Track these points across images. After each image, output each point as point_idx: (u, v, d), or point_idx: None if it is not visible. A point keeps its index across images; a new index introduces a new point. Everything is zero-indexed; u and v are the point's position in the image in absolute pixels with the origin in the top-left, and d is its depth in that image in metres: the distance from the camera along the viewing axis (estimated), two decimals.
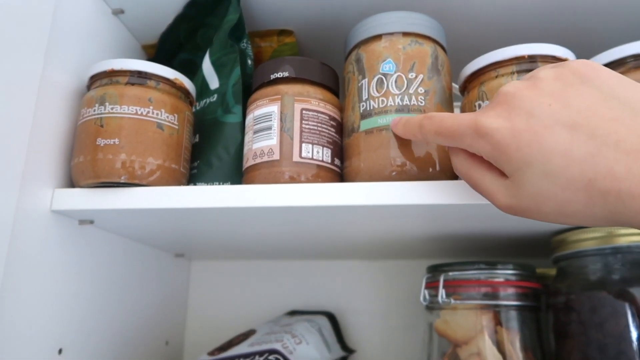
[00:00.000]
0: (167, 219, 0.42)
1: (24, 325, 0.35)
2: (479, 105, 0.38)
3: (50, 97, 0.38)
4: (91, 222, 0.42)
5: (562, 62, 0.27)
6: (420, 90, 0.38)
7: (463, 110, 0.41)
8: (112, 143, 0.36)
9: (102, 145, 0.36)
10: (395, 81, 0.38)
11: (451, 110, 0.40)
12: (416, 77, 0.38)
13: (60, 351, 0.39)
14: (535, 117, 0.25)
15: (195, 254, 0.64)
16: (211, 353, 0.51)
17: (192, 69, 0.53)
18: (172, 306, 0.61)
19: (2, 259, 0.33)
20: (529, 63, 0.37)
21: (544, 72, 0.26)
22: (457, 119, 0.29)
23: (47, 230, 0.38)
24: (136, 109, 0.37)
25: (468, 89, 0.41)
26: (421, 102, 0.38)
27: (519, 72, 0.37)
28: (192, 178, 0.44)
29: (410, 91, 0.38)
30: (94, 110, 0.37)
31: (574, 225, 0.26)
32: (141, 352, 0.53)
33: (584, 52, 0.45)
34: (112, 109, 0.37)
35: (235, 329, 0.64)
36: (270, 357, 0.43)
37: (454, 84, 0.43)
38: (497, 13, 0.49)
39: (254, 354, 0.45)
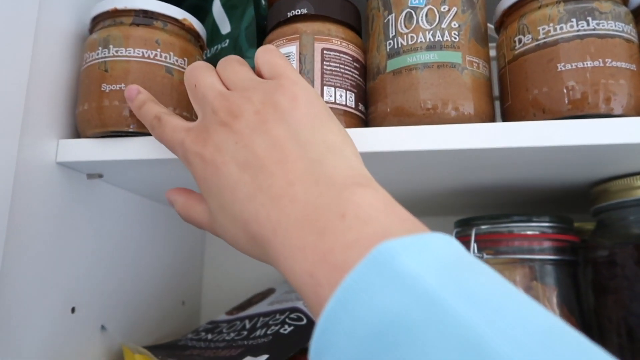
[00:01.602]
0: (179, 171, 0.39)
1: (34, 283, 0.33)
2: (519, 40, 0.34)
3: (48, 41, 0.35)
4: (100, 176, 0.40)
5: (281, 83, 0.26)
6: (454, 25, 0.34)
7: (499, 49, 0.37)
8: (118, 89, 0.33)
9: (107, 91, 0.33)
10: (426, 15, 0.34)
11: (487, 48, 0.36)
12: (449, 10, 0.34)
13: (73, 310, 0.38)
14: (220, 151, 0.25)
15: None
16: (230, 312, 0.49)
17: (201, 16, 0.49)
18: (188, 266, 0.60)
19: (5, 214, 0.31)
20: None
21: (250, 105, 0.25)
22: (174, 132, 0.28)
23: (53, 183, 0.36)
24: (142, 52, 0.34)
25: (505, 24, 0.37)
26: (455, 38, 0.34)
27: (566, 1, 0.33)
28: None
29: (443, 26, 0.34)
30: (97, 54, 0.34)
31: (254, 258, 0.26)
32: (157, 312, 0.51)
33: None
34: (116, 52, 0.34)
35: (253, 288, 0.62)
36: (291, 315, 0.41)
37: (488, 24, 0.40)
38: None
39: (274, 312, 0.43)
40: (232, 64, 0.29)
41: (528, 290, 0.40)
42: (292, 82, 0.26)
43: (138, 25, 0.35)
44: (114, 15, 0.35)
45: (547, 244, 0.40)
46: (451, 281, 0.16)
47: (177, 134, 0.27)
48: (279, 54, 0.29)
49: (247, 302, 0.50)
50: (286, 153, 0.23)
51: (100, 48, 0.34)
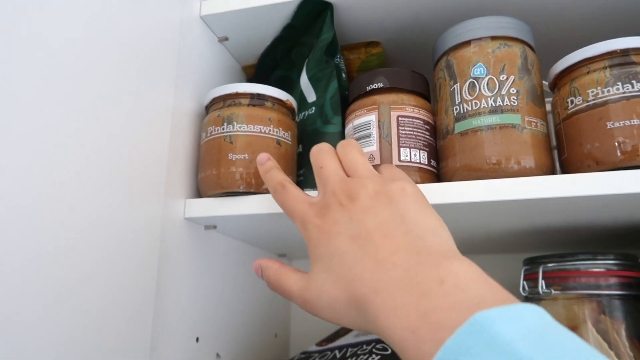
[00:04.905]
0: (277, 222, 0.46)
1: (172, 317, 0.42)
2: (571, 101, 0.40)
3: (180, 120, 0.45)
4: (214, 227, 0.48)
5: (393, 178, 0.31)
6: (512, 91, 0.40)
7: (554, 107, 0.42)
8: (242, 158, 0.42)
9: (233, 159, 0.42)
10: (487, 84, 0.40)
11: (543, 107, 0.41)
12: (507, 78, 0.40)
13: (197, 339, 0.45)
14: (337, 224, 0.29)
15: (295, 254, 0.69)
16: (319, 344, 0.55)
17: (287, 85, 0.58)
18: (278, 302, 0.67)
19: (155, 262, 0.39)
20: (622, 57, 0.38)
21: (365, 191, 0.30)
22: (297, 202, 0.33)
23: (182, 235, 0.44)
24: (260, 128, 0.43)
25: (558, 86, 0.42)
26: (514, 102, 0.40)
27: (612, 66, 0.38)
28: (298, 185, 0.48)
29: (503, 92, 0.40)
30: (223, 129, 0.43)
31: (342, 325, 0.29)
32: (255, 343, 0.58)
33: None
34: (239, 127, 0.42)
35: None
36: (377, 346, 0.47)
37: (543, 81, 0.45)
38: (583, 9, 0.49)
39: (361, 343, 0.49)
40: (353, 153, 0.34)
41: (597, 323, 0.43)
42: (403, 179, 0.31)
43: (254, 105, 0.44)
44: (233, 97, 0.44)
45: (613, 280, 0.43)
46: (540, 347, 0.18)
47: (300, 205, 0.33)
48: (400, 171, 0.35)
49: (334, 335, 0.56)
50: (392, 230, 0.27)
51: (225, 124, 0.43)
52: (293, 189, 0.34)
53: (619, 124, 0.36)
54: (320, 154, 0.35)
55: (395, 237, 0.27)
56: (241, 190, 0.43)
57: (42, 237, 0.29)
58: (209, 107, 0.47)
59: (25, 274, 0.28)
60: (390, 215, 0.28)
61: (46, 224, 0.29)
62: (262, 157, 0.39)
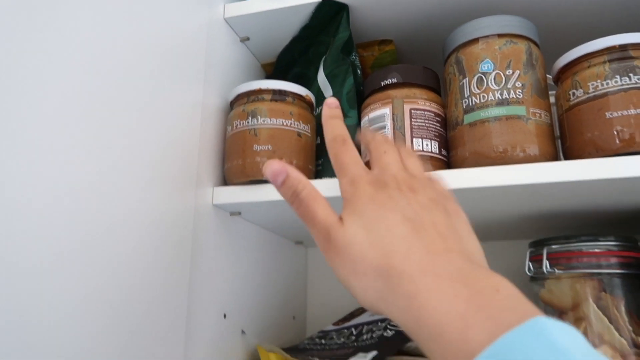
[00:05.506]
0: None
1: (203, 295, 0.45)
2: (573, 94, 0.43)
3: (209, 115, 0.48)
4: (239, 213, 0.52)
5: (449, 195, 0.32)
6: (518, 85, 0.43)
7: (558, 99, 0.45)
8: (266, 149, 0.45)
9: (258, 150, 0.45)
10: (494, 78, 0.44)
11: (547, 100, 0.44)
12: (513, 73, 0.43)
13: (225, 316, 0.49)
14: (392, 200, 0.28)
15: (311, 242, 0.72)
16: (336, 323, 0.59)
17: (303, 81, 0.61)
18: (295, 286, 0.71)
19: (189, 245, 0.43)
20: (621, 52, 0.41)
21: (425, 191, 0.30)
22: (353, 162, 0.32)
23: (210, 220, 0.48)
24: (282, 121, 0.46)
25: (561, 79, 0.45)
26: (519, 95, 0.43)
27: (611, 61, 0.41)
28: (317, 174, 0.52)
29: (509, 86, 0.43)
30: (248, 122, 0.46)
31: (349, 286, 0.27)
32: (275, 324, 0.62)
33: None
34: (263, 121, 0.46)
35: (350, 305, 0.72)
36: (392, 323, 0.50)
37: (547, 75, 0.48)
38: (585, 7, 0.52)
39: (376, 321, 0.53)
40: (416, 160, 0.34)
41: (598, 300, 0.46)
42: (457, 203, 0.32)
43: (277, 101, 0.47)
44: (257, 93, 0.48)
45: (613, 260, 0.46)
46: (592, 358, 0.19)
47: (356, 165, 0.31)
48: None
49: (350, 315, 0.59)
50: (447, 233, 0.27)
51: (250, 118, 0.47)
52: (353, 147, 0.33)
53: (618, 113, 0.39)
54: (385, 143, 0.34)
55: (449, 240, 0.27)
56: (264, 179, 0.46)
57: (89, 224, 0.33)
58: (233, 103, 0.51)
59: (72, 260, 0.32)
60: (445, 221, 0.28)
61: (93, 210, 0.33)
62: (333, 101, 0.37)
